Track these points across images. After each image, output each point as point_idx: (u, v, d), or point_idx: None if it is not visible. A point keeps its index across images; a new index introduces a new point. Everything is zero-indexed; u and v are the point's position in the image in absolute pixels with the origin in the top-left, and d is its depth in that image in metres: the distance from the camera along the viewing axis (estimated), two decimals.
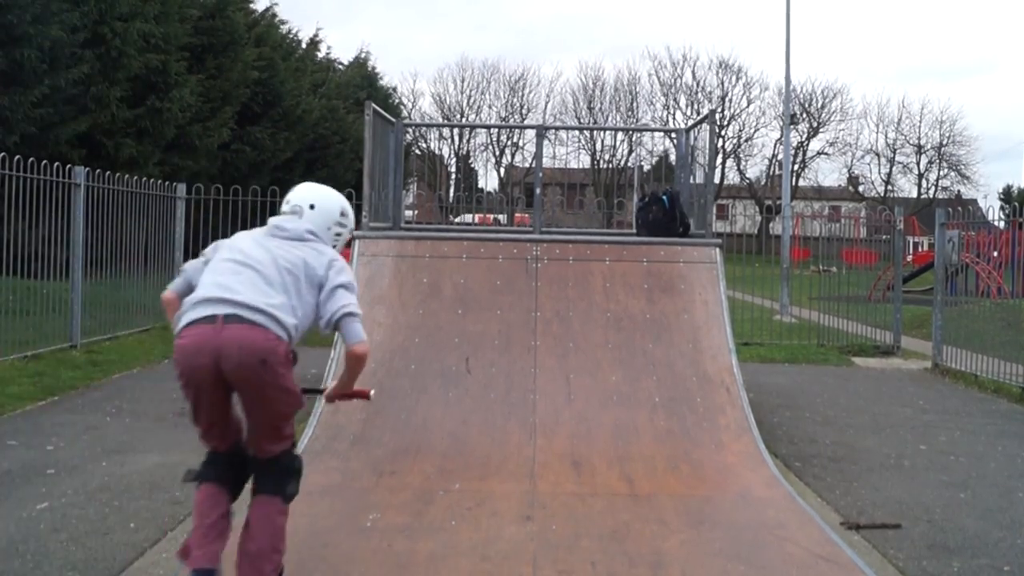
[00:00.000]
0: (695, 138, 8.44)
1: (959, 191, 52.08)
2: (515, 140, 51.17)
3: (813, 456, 6.06)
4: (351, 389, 3.34)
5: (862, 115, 70.71)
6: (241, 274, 3.08)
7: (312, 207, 3.35)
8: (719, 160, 47.01)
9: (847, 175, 53.83)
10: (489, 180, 51.40)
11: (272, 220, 3.34)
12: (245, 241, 3.26)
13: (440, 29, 77.12)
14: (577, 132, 46.92)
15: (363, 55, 36.97)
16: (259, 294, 3.03)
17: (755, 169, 53.72)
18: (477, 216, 15.19)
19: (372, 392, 3.51)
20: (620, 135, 51.72)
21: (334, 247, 3.38)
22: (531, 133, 51.13)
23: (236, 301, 2.99)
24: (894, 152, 53.28)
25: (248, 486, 3.25)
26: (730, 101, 51.11)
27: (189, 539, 3.11)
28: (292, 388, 3.07)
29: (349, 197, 12.51)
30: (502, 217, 18.44)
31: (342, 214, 3.43)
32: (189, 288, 3.22)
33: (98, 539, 4.07)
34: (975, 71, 78.99)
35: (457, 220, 14.67)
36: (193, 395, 3.07)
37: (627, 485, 4.98)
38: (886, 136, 54.94)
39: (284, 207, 3.41)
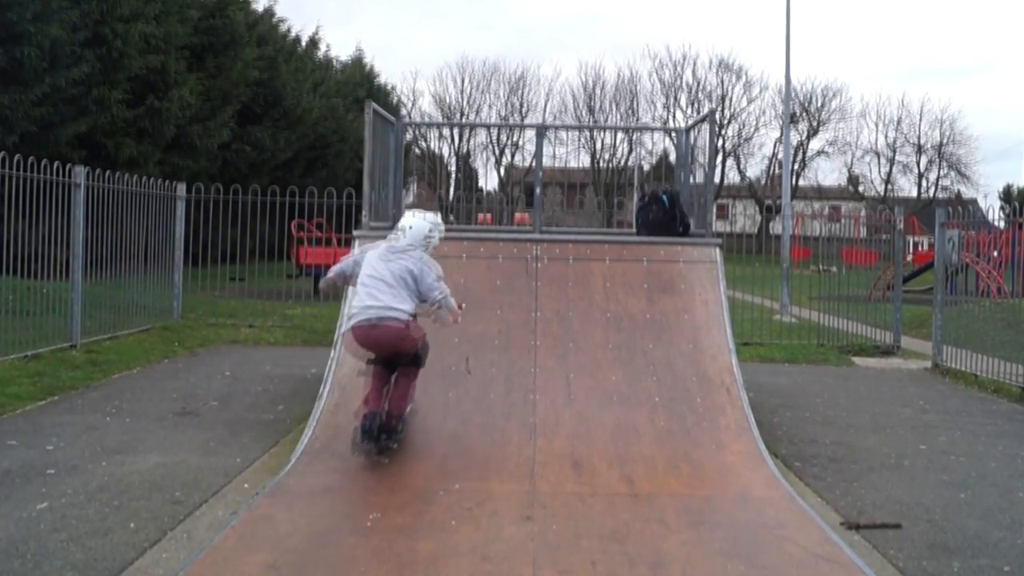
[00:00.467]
0: (695, 138, 8.43)
1: (959, 191, 52.08)
2: (515, 140, 51.19)
3: (813, 456, 6.06)
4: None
5: (862, 115, 70.64)
6: (377, 285, 5.11)
7: (410, 227, 5.29)
8: (719, 160, 47.03)
9: (847, 175, 53.85)
10: (489, 180, 51.42)
11: (388, 240, 5.33)
12: (374, 258, 5.24)
13: (441, 29, 77.19)
14: (577, 131, 46.94)
15: (361, 53, 37.03)
16: (391, 298, 5.07)
17: (755, 169, 53.75)
18: (477, 216, 15.18)
19: (463, 305, 5.49)
20: (620, 134, 51.72)
21: (428, 250, 5.33)
22: (531, 132, 51.16)
23: (379, 307, 5.05)
24: (894, 152, 53.32)
25: None
26: (730, 101, 51.14)
27: (366, 395, 5.19)
28: (415, 338, 5.20)
29: (349, 197, 12.41)
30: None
31: (429, 231, 5.32)
32: (341, 274, 5.46)
33: (98, 539, 4.07)
34: (975, 71, 79.05)
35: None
36: (366, 351, 5.25)
37: (627, 485, 4.98)
38: (886, 136, 54.99)
39: (396, 228, 5.36)
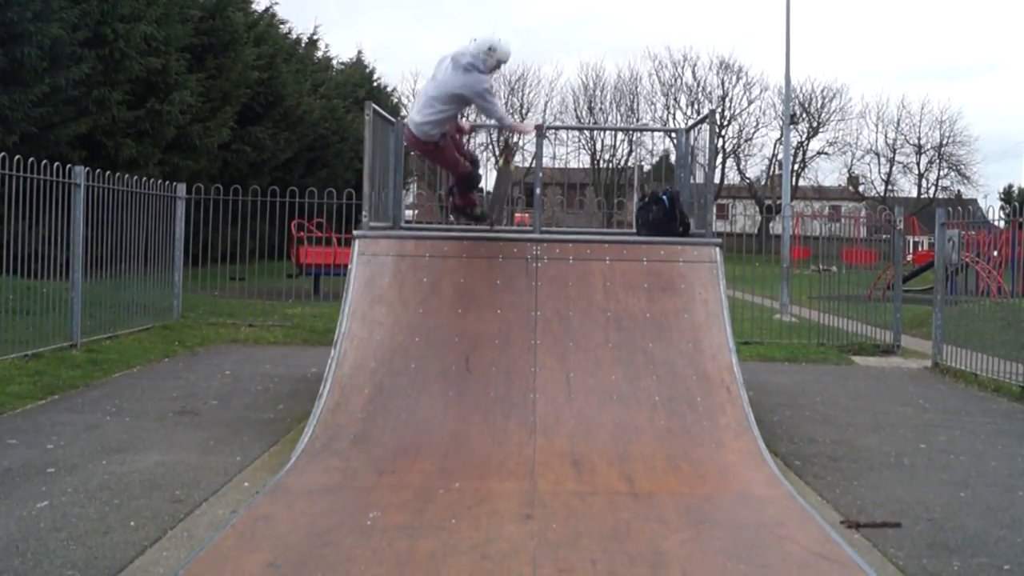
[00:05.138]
0: (695, 138, 8.43)
1: (959, 191, 52.08)
2: (515, 140, 51.16)
3: (813, 455, 6.06)
4: None
5: (862, 115, 70.57)
6: None
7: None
8: (719, 160, 47.03)
9: (847, 175, 53.84)
10: (489, 180, 51.39)
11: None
12: None
13: (443, 30, 77.17)
14: (577, 132, 46.92)
15: (362, 55, 37.05)
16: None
17: (755, 169, 53.74)
18: None
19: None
20: (620, 135, 51.68)
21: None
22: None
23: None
24: (894, 152, 53.30)
25: None
26: (730, 101, 51.13)
27: None
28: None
29: (349, 197, 12.44)
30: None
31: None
32: None
33: (98, 538, 4.08)
34: (975, 71, 79.03)
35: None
36: None
37: (627, 484, 4.98)
38: (886, 136, 54.98)
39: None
